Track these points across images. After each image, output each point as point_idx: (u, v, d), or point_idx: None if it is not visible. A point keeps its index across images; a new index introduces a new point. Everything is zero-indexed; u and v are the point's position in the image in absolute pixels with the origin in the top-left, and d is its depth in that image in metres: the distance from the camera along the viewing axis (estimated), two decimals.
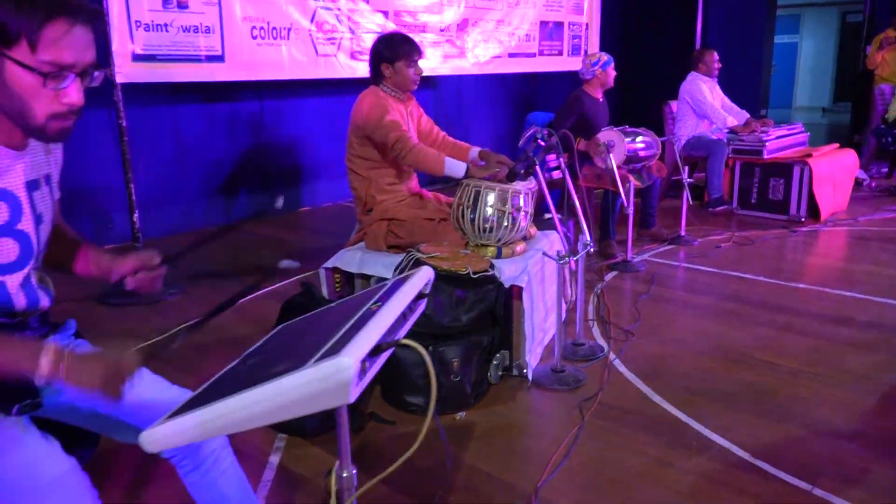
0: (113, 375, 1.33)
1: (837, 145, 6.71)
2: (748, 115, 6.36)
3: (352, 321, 1.28)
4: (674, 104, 6.87)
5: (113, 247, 5.45)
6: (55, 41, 1.34)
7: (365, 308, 1.34)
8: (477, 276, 2.90)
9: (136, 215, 4.23)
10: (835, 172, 6.14)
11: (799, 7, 16.81)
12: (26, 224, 1.52)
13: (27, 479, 1.32)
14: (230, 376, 1.31)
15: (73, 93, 1.39)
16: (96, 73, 1.43)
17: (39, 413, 1.55)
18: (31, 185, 1.54)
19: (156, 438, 1.16)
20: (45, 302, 1.60)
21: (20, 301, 1.53)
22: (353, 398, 1.12)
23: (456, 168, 3.30)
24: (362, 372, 1.15)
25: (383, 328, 1.23)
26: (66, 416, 1.66)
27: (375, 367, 1.23)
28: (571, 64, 8.22)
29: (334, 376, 1.09)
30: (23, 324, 1.56)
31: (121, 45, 4.24)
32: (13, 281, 1.51)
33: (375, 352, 1.20)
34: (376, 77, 3.49)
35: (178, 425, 1.16)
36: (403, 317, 1.39)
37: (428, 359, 1.23)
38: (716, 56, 6.32)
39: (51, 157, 1.63)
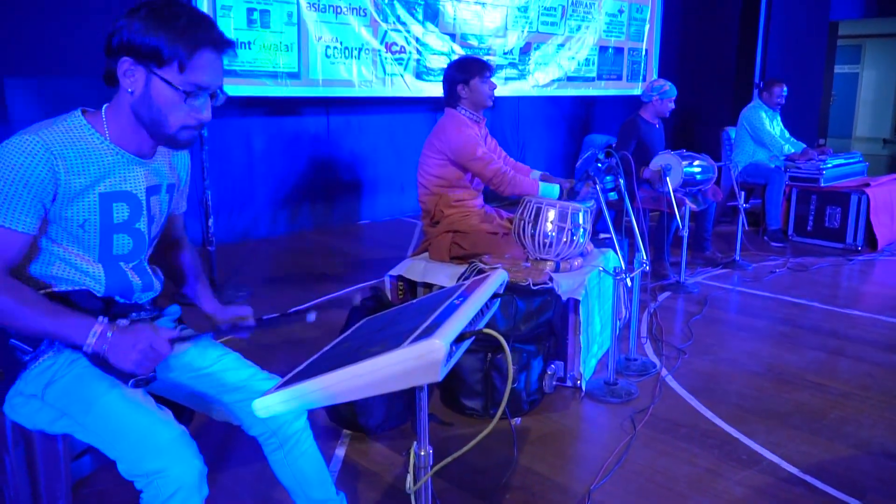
0: (145, 359, 1.56)
1: None
2: (805, 147, 6.41)
3: (437, 312, 1.43)
4: (731, 130, 6.94)
5: None
6: (200, 67, 1.58)
7: (448, 302, 1.49)
8: (536, 287, 3.04)
9: (211, 220, 4.46)
10: (893, 202, 6.12)
11: (860, 38, 16.60)
12: (142, 224, 1.75)
13: (147, 438, 1.51)
14: (327, 357, 1.47)
15: (205, 112, 1.64)
16: (221, 94, 1.67)
17: (148, 388, 1.74)
18: (151, 190, 1.77)
19: (268, 405, 1.32)
20: (157, 287, 1.82)
21: (136, 281, 1.75)
22: (441, 377, 1.27)
23: (550, 192, 3.49)
24: (450, 355, 1.29)
25: (467, 318, 1.38)
26: (169, 392, 1.85)
27: (459, 353, 1.38)
28: (629, 89, 8.33)
29: (427, 356, 1.24)
30: (138, 305, 1.76)
31: None
32: (128, 266, 1.74)
33: (459, 339, 1.35)
34: (453, 100, 3.66)
35: (287, 394, 1.32)
36: (481, 313, 1.54)
37: (507, 348, 1.37)
38: (783, 90, 6.36)
39: (174, 170, 1.86)
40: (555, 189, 3.54)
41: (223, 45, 1.62)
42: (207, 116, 1.65)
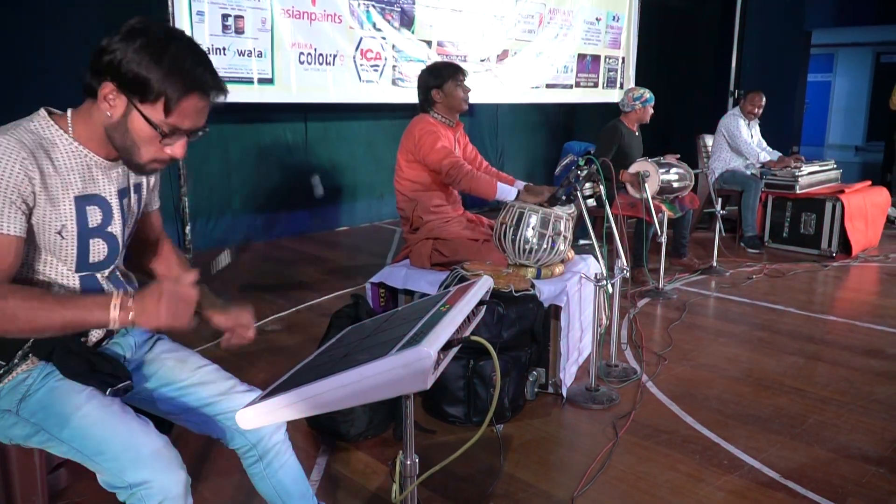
0: (177, 307, 1.48)
1: (870, 182, 6.76)
2: (781, 155, 6.49)
3: (424, 319, 1.41)
4: (706, 137, 7.01)
5: None
6: (185, 113, 1.53)
7: (435, 309, 1.48)
8: (518, 294, 3.03)
9: (188, 227, 4.41)
10: (867, 209, 6.20)
11: (833, 46, 16.86)
12: (115, 227, 1.71)
13: (128, 450, 1.48)
14: (312, 366, 1.45)
15: (179, 149, 1.60)
16: (200, 133, 1.61)
17: (126, 400, 1.70)
18: (122, 193, 1.73)
19: (251, 416, 1.30)
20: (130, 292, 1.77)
21: (109, 289, 1.70)
22: (429, 385, 1.25)
23: (507, 193, 3.46)
24: (437, 363, 1.28)
25: (454, 326, 1.37)
26: (147, 405, 1.82)
27: (445, 361, 1.37)
28: (606, 96, 8.38)
29: (415, 364, 1.22)
30: None
31: None
32: (102, 275, 1.70)
33: (447, 347, 1.34)
34: (427, 105, 3.66)
35: (271, 405, 1.29)
36: (468, 320, 1.53)
37: (495, 357, 1.36)
38: (762, 100, 6.43)
39: None
40: (512, 193, 3.50)
41: (215, 91, 1.57)
42: (180, 154, 1.60)
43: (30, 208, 1.52)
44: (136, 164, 1.61)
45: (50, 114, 1.60)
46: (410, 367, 1.23)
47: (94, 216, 1.64)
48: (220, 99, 1.59)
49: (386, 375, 1.24)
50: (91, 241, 1.64)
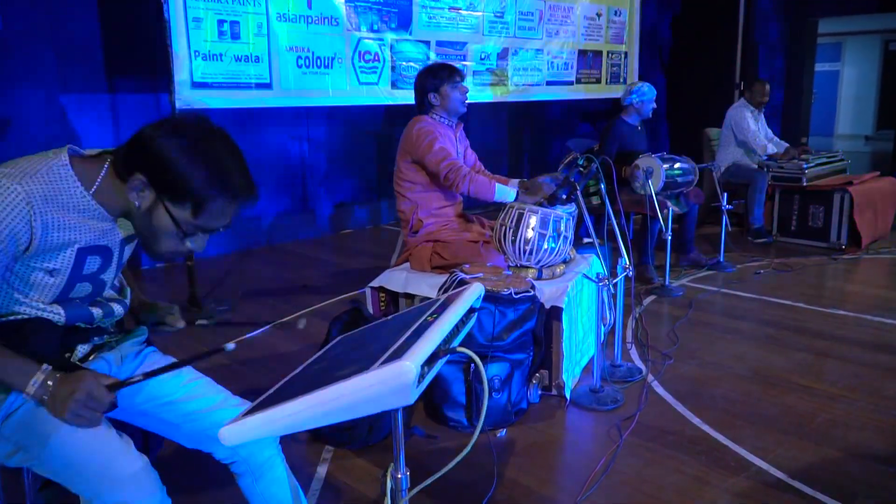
0: (83, 412, 1.47)
1: (878, 173, 6.68)
2: (787, 146, 6.41)
3: (410, 330, 1.38)
4: (712, 131, 6.93)
5: (160, 266, 5.64)
6: (213, 214, 1.52)
7: (422, 319, 1.44)
8: (519, 296, 2.99)
9: None
10: (876, 200, 6.11)
11: (840, 35, 16.71)
12: (108, 274, 1.68)
13: (107, 471, 1.46)
14: (297, 380, 1.42)
15: (200, 244, 1.59)
16: (221, 229, 1.60)
17: (114, 415, 1.67)
18: (125, 241, 1.70)
19: (235, 433, 1.27)
20: (119, 311, 1.75)
21: (97, 312, 1.68)
22: (412, 400, 1.22)
23: (506, 194, 3.41)
24: (421, 377, 1.25)
25: (440, 337, 1.34)
26: (137, 419, 1.79)
27: (432, 372, 1.33)
28: (609, 92, 8.31)
29: (397, 379, 1.19)
30: (100, 329, 1.70)
31: (181, 74, 4.44)
32: (85, 302, 1.67)
33: (433, 359, 1.30)
34: (425, 108, 3.61)
35: (254, 421, 1.26)
36: (456, 329, 1.49)
37: (480, 365, 1.33)
38: (767, 89, 6.35)
39: None
40: (511, 193, 3.46)
41: (245, 196, 1.56)
42: (200, 249, 1.61)
43: (17, 258, 1.48)
44: (152, 251, 1.60)
45: (72, 159, 1.54)
46: (392, 382, 1.20)
47: (92, 265, 1.61)
48: (249, 201, 1.58)
49: (367, 391, 1.21)
50: (78, 284, 1.61)
